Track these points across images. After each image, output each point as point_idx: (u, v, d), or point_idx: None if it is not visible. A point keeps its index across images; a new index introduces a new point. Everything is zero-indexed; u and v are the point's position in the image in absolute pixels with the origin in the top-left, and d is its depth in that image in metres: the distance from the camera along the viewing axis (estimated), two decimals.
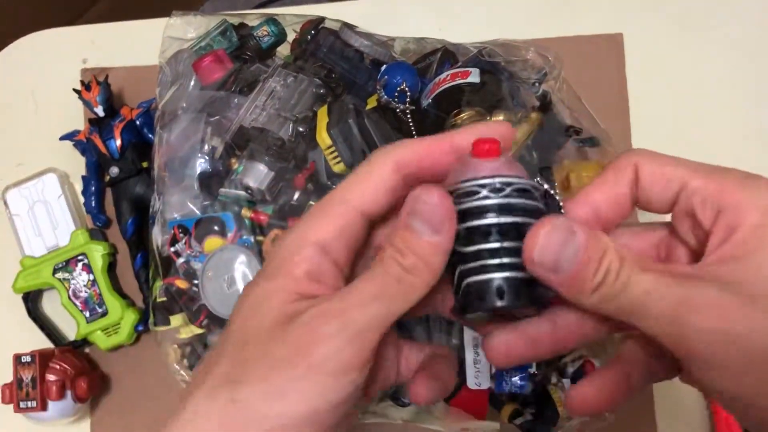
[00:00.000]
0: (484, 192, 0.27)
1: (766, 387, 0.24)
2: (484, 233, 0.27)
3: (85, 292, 0.63)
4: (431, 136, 0.30)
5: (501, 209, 0.26)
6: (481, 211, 0.27)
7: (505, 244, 0.26)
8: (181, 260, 0.53)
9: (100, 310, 0.62)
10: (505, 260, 0.26)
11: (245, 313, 0.28)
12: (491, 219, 0.26)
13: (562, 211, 0.29)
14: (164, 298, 0.53)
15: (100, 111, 0.63)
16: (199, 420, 0.26)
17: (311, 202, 0.51)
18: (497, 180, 0.27)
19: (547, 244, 0.25)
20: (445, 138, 0.29)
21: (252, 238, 0.51)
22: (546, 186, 0.29)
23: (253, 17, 0.60)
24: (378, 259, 0.27)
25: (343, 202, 0.29)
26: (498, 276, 0.26)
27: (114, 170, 0.63)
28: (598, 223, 0.29)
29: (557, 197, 0.29)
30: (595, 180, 0.30)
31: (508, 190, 0.27)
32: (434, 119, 0.50)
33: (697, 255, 0.28)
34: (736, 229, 0.25)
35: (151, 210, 0.56)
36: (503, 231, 0.26)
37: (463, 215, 0.27)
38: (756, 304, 0.24)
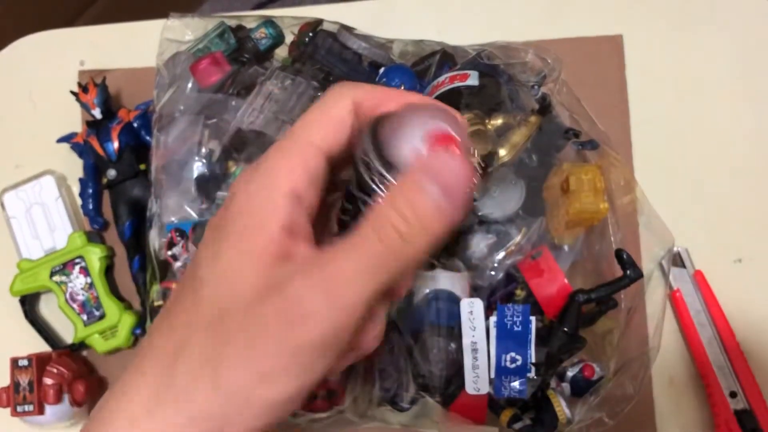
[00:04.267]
0: None
1: None
2: None
3: (83, 295, 0.62)
4: (390, 89, 0.29)
5: None
6: None
7: None
8: (178, 264, 0.53)
9: (97, 314, 0.62)
10: None
11: (217, 278, 0.25)
12: None
13: None
14: (161, 302, 0.53)
15: (97, 113, 0.63)
16: (181, 405, 0.24)
17: None
18: None
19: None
20: (402, 95, 0.28)
21: None
22: None
23: (250, 19, 0.60)
24: (371, 221, 0.24)
25: (309, 143, 0.27)
26: None
27: (111, 173, 0.62)
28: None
29: None
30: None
31: None
32: None
33: None
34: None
35: (148, 213, 0.55)
36: None
37: None
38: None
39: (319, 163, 0.27)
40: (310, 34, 0.57)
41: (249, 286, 0.24)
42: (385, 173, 0.25)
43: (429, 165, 0.24)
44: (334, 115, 0.27)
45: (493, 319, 0.46)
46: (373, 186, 0.25)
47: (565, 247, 0.51)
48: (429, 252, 0.25)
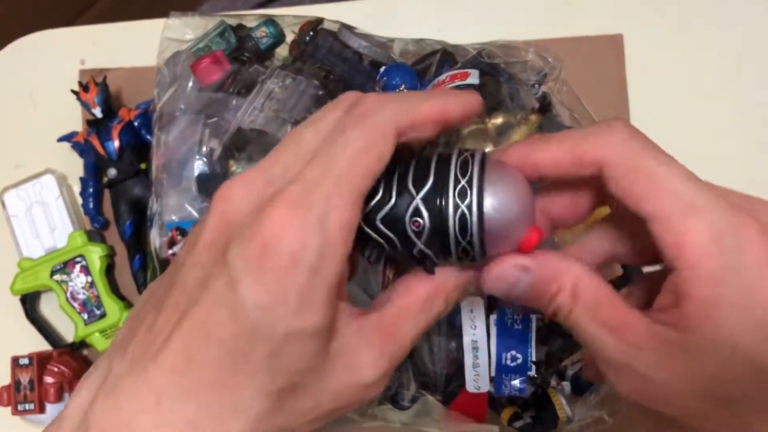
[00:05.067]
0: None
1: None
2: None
3: (83, 294, 0.62)
4: (426, 99, 0.26)
5: None
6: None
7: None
8: None
9: (98, 312, 0.62)
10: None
11: (285, 349, 0.23)
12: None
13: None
14: None
15: (98, 112, 0.63)
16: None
17: None
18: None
19: (495, 287, 0.27)
20: (442, 108, 0.26)
21: None
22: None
23: (251, 18, 0.60)
24: (423, 304, 0.28)
25: (360, 196, 0.24)
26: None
27: (112, 172, 0.62)
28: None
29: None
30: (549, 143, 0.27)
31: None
32: None
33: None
34: (684, 297, 0.24)
35: (149, 212, 0.55)
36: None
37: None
38: (685, 391, 0.24)
39: (360, 213, 0.24)
40: (311, 33, 0.57)
41: (319, 364, 0.24)
42: (477, 255, 0.26)
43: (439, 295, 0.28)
44: (382, 155, 0.24)
45: (493, 317, 0.46)
46: (455, 256, 0.27)
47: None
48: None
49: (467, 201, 0.25)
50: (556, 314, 0.27)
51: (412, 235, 0.26)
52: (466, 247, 0.26)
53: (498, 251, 0.27)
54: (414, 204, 0.26)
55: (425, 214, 0.26)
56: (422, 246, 0.26)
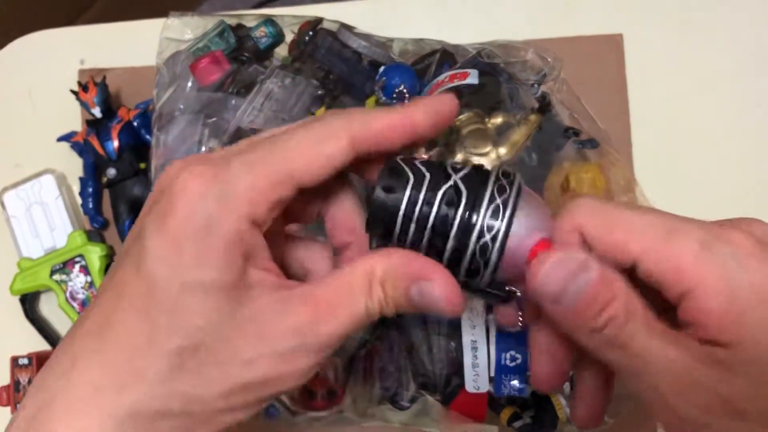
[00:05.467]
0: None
1: None
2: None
3: (83, 293, 0.62)
4: (388, 111, 0.27)
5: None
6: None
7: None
8: None
9: None
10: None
11: (186, 303, 0.24)
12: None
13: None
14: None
15: (97, 112, 0.63)
16: (141, 424, 0.24)
17: None
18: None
19: (554, 273, 0.24)
20: (405, 116, 0.27)
21: None
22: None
23: (250, 18, 0.60)
24: (365, 290, 0.26)
25: (285, 172, 0.25)
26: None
27: (111, 172, 0.62)
28: None
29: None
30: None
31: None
32: None
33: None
34: (709, 314, 0.23)
35: None
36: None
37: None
38: (747, 410, 0.23)
39: (288, 193, 0.25)
40: (310, 33, 0.57)
41: (226, 326, 0.24)
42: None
43: (417, 283, 0.26)
44: (325, 153, 0.26)
45: (492, 317, 0.46)
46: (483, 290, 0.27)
47: None
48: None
49: (496, 227, 0.26)
50: (606, 326, 0.24)
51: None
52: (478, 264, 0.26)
53: (509, 271, 0.27)
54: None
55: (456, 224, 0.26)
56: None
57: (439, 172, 0.27)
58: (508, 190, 0.26)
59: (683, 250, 0.23)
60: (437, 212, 0.26)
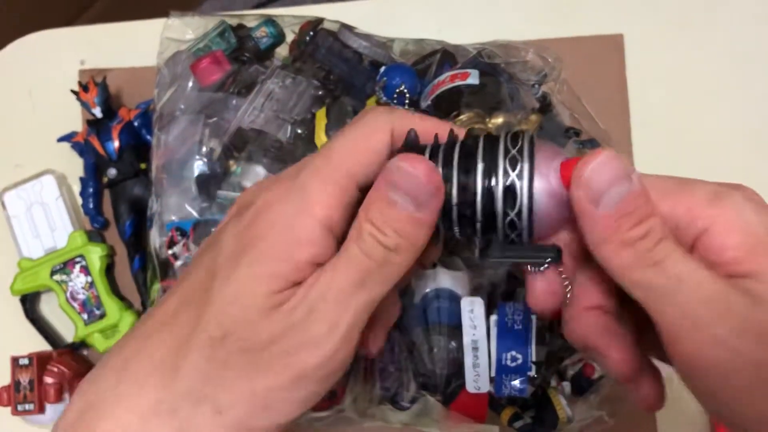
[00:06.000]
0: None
1: (761, 415, 0.23)
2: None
3: (83, 294, 0.62)
4: (431, 117, 0.28)
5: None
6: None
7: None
8: (179, 263, 0.53)
9: (98, 312, 0.62)
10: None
11: (229, 298, 0.24)
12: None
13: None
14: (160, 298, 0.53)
15: (97, 112, 0.63)
16: (177, 422, 0.24)
17: None
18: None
19: (602, 170, 0.23)
20: (448, 123, 0.28)
21: None
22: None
23: (251, 18, 0.60)
24: (355, 236, 0.25)
25: (348, 173, 0.26)
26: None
27: (112, 172, 0.62)
28: None
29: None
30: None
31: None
32: None
33: None
34: (725, 249, 0.23)
35: (148, 212, 0.55)
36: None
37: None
38: None
39: (354, 194, 0.26)
40: (311, 33, 0.57)
41: (257, 309, 0.24)
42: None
43: (390, 176, 0.25)
44: (373, 146, 0.26)
45: (493, 317, 0.46)
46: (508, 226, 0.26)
47: None
48: (416, 257, 0.26)
49: (517, 175, 0.25)
50: (644, 238, 0.23)
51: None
52: (513, 219, 0.25)
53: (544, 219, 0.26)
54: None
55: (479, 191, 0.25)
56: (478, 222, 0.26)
57: (449, 147, 0.27)
58: (520, 140, 0.26)
59: (696, 195, 0.24)
60: (458, 183, 0.26)
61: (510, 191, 0.25)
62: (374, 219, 0.25)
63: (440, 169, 0.26)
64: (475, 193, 0.25)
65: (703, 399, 0.24)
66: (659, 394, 0.28)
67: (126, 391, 0.25)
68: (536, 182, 0.25)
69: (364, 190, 0.26)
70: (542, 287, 0.27)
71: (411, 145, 0.27)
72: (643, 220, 0.23)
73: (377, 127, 0.26)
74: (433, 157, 0.26)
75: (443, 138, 0.28)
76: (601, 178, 0.23)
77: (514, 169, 0.25)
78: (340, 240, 0.26)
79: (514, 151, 0.25)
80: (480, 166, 0.25)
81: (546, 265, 0.26)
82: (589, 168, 0.23)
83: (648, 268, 0.23)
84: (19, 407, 0.59)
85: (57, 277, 0.63)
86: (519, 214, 0.25)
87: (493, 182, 0.25)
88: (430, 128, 0.27)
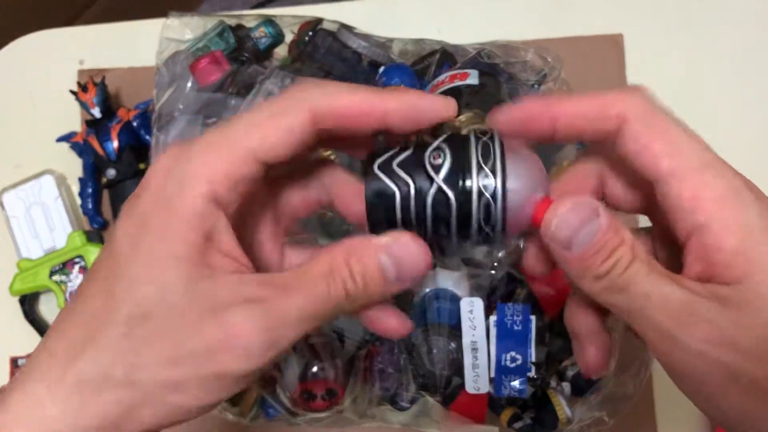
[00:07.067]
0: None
1: (741, 415, 0.24)
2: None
3: None
4: (357, 91, 0.26)
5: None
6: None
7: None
8: None
9: None
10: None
11: (139, 277, 0.24)
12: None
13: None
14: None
15: (96, 112, 0.63)
16: (86, 393, 0.24)
17: None
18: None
19: (569, 218, 0.25)
20: (375, 102, 0.26)
21: None
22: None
23: (250, 18, 0.60)
24: (326, 272, 0.25)
25: (242, 146, 0.25)
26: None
27: (111, 172, 0.62)
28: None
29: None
30: (575, 101, 0.27)
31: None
32: None
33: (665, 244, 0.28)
34: (719, 250, 0.24)
35: None
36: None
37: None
38: (749, 341, 0.23)
39: (249, 169, 0.25)
40: (310, 33, 0.57)
41: (178, 295, 0.24)
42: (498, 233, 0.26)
43: (393, 246, 0.26)
44: (283, 124, 0.25)
45: (493, 318, 0.46)
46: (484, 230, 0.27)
47: None
48: (364, 310, 0.27)
49: (491, 185, 0.26)
50: (613, 269, 0.24)
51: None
52: (485, 229, 0.26)
53: (515, 229, 0.27)
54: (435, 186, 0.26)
55: (451, 196, 0.26)
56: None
57: (420, 154, 0.27)
58: (491, 146, 0.26)
59: (710, 185, 0.24)
60: (434, 194, 0.26)
61: (486, 206, 0.26)
62: (354, 269, 0.25)
63: (412, 184, 0.26)
64: (449, 206, 0.26)
65: (692, 400, 0.25)
66: (604, 359, 0.30)
67: (37, 365, 0.25)
68: (509, 200, 0.26)
69: (272, 165, 0.26)
70: (533, 252, 0.29)
71: (378, 152, 0.27)
72: (612, 252, 0.25)
73: (291, 106, 0.26)
74: (403, 165, 0.27)
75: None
76: (569, 226, 0.25)
77: (487, 188, 0.26)
78: (231, 211, 0.26)
79: (485, 158, 0.26)
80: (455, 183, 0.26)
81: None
82: (555, 221, 0.25)
83: (618, 294, 0.25)
84: None
85: (56, 277, 0.62)
86: (493, 225, 0.26)
87: (470, 196, 0.26)
88: (361, 104, 0.26)
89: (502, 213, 0.26)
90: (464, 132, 0.28)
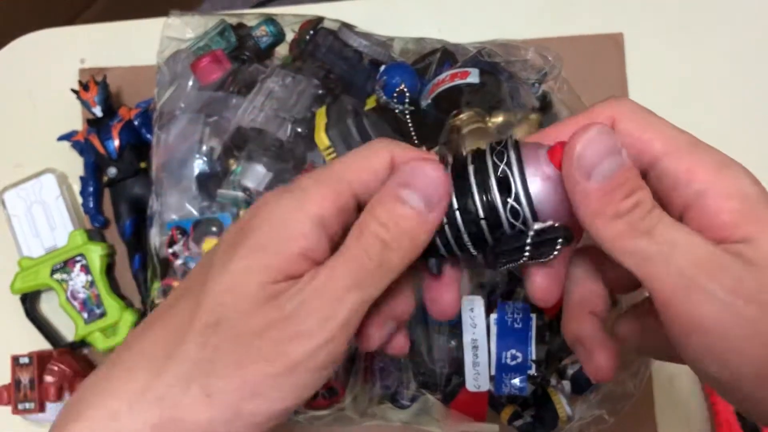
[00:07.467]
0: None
1: (755, 372, 0.24)
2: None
3: (84, 293, 0.62)
4: (420, 150, 0.29)
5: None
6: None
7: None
8: (179, 262, 0.53)
9: (98, 312, 0.62)
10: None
11: (222, 288, 0.25)
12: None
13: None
14: (162, 300, 0.53)
15: (98, 111, 0.63)
16: (165, 408, 0.24)
17: None
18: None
19: (593, 144, 0.24)
20: (433, 156, 0.28)
21: None
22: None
23: (251, 17, 0.60)
24: (356, 234, 0.26)
25: (343, 180, 0.27)
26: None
27: (112, 171, 0.62)
28: None
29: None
30: (566, 122, 0.28)
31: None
32: (433, 120, 0.50)
33: None
34: (720, 213, 0.24)
35: (149, 211, 0.55)
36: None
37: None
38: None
39: (349, 201, 0.27)
40: (311, 32, 0.57)
41: (250, 299, 0.25)
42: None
43: (402, 177, 0.26)
44: (373, 165, 0.27)
45: (493, 316, 0.46)
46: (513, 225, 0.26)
47: None
48: (412, 261, 0.26)
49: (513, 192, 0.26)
50: (633, 209, 0.24)
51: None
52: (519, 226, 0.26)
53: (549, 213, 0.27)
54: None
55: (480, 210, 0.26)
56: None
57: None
58: (505, 152, 0.27)
59: (703, 158, 0.25)
60: (461, 208, 0.27)
61: (503, 181, 0.26)
62: (380, 215, 0.26)
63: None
64: (472, 193, 0.26)
65: (700, 361, 0.25)
66: (612, 365, 0.29)
67: (115, 381, 0.25)
68: (526, 166, 0.26)
69: (361, 207, 0.27)
70: (541, 282, 0.28)
71: None
72: (634, 191, 0.24)
73: (378, 149, 0.28)
74: None
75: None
76: (592, 152, 0.24)
77: (502, 161, 0.26)
78: (334, 243, 0.27)
79: (499, 147, 0.27)
80: (470, 168, 0.27)
81: (558, 248, 0.27)
82: (581, 143, 0.24)
83: (641, 237, 0.24)
84: (20, 406, 0.60)
85: (57, 276, 0.63)
86: (517, 198, 0.26)
87: (485, 176, 0.26)
88: (419, 159, 0.28)
89: (521, 177, 0.26)
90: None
